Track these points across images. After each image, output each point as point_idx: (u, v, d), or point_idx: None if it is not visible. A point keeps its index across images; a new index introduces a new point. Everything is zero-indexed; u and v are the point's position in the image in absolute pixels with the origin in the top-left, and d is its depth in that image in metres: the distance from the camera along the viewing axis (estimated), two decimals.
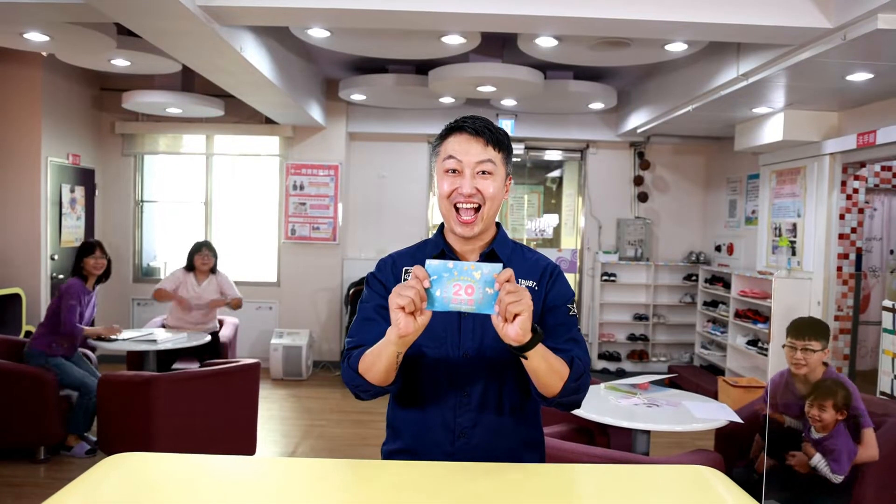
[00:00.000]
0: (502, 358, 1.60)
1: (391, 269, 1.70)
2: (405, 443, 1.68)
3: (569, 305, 1.65)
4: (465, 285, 1.35)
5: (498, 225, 1.74)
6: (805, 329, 3.20)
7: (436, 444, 1.64)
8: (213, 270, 5.51)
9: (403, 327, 1.36)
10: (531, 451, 1.71)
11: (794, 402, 3.26)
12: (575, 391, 1.54)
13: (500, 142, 1.64)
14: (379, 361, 1.48)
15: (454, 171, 1.61)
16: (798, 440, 3.19)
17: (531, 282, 1.66)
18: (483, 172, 1.60)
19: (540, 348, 1.43)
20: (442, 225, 1.71)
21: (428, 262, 1.36)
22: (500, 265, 1.36)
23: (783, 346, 3.25)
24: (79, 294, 4.55)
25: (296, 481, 1.34)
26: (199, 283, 5.42)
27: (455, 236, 1.66)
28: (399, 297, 1.34)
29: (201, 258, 5.40)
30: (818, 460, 3.01)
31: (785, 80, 4.63)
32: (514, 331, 1.35)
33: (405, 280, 1.61)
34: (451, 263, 1.35)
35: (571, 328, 1.63)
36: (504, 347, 1.51)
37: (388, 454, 1.71)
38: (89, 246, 4.64)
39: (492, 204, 1.62)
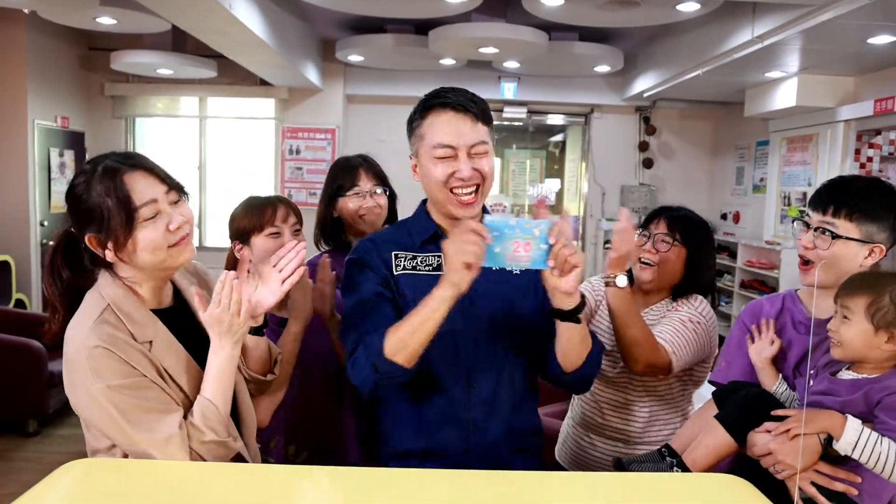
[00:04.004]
0: (509, 344, 1.54)
1: (377, 254, 1.55)
2: (414, 444, 1.53)
3: None
4: (523, 242, 1.34)
5: None
6: (831, 195, 1.56)
7: (448, 442, 1.52)
8: None
9: (467, 283, 1.33)
10: (535, 437, 1.64)
11: (797, 343, 1.62)
12: (596, 364, 1.54)
13: (486, 114, 1.52)
14: (421, 330, 1.36)
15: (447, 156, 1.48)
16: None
17: None
18: (477, 154, 1.49)
19: (581, 318, 1.45)
20: (423, 204, 1.61)
21: (488, 217, 1.35)
22: (555, 219, 1.35)
23: (792, 222, 1.61)
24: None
25: (265, 490, 1.21)
26: None
27: (443, 216, 1.55)
28: (463, 253, 1.31)
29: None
30: (854, 432, 1.34)
31: (802, 42, 4.42)
32: (570, 283, 1.36)
33: (397, 265, 1.53)
34: (512, 220, 1.34)
35: None
36: (508, 335, 1.51)
37: (391, 456, 1.56)
38: (344, 168, 2.14)
39: (488, 182, 1.51)
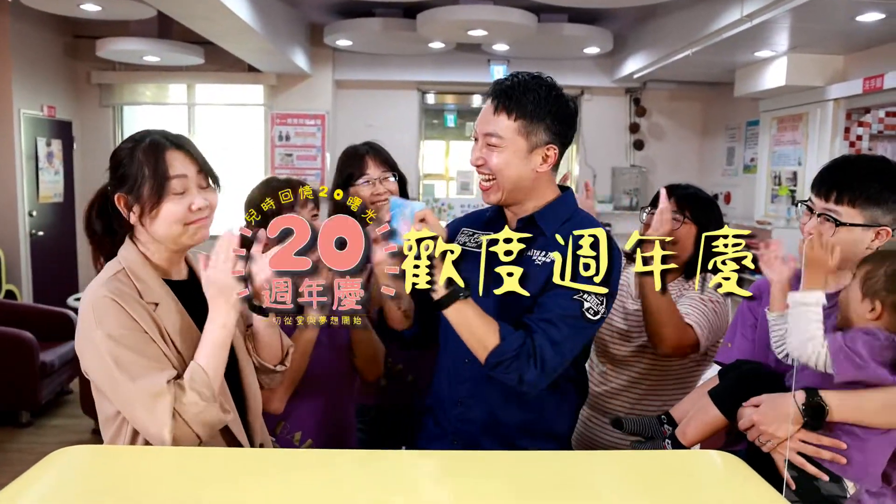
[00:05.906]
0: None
1: (453, 232, 1.67)
2: (431, 399, 1.71)
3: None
4: (404, 223, 1.38)
5: (564, 190, 1.58)
6: (832, 180, 1.53)
7: (442, 408, 1.64)
8: None
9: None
10: (537, 440, 1.57)
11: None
12: (494, 367, 1.41)
13: (515, 108, 1.45)
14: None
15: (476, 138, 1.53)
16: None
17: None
18: (489, 145, 1.48)
19: (461, 308, 1.37)
20: None
21: (392, 198, 1.42)
22: (423, 204, 1.38)
23: (795, 204, 1.60)
24: None
25: (255, 475, 1.21)
26: None
27: None
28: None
29: None
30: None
31: (790, 21, 4.41)
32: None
33: (458, 240, 1.62)
34: (400, 200, 1.40)
35: (556, 309, 1.42)
36: (515, 318, 1.46)
37: (423, 407, 1.75)
38: (352, 156, 2.13)
39: (501, 177, 1.48)
